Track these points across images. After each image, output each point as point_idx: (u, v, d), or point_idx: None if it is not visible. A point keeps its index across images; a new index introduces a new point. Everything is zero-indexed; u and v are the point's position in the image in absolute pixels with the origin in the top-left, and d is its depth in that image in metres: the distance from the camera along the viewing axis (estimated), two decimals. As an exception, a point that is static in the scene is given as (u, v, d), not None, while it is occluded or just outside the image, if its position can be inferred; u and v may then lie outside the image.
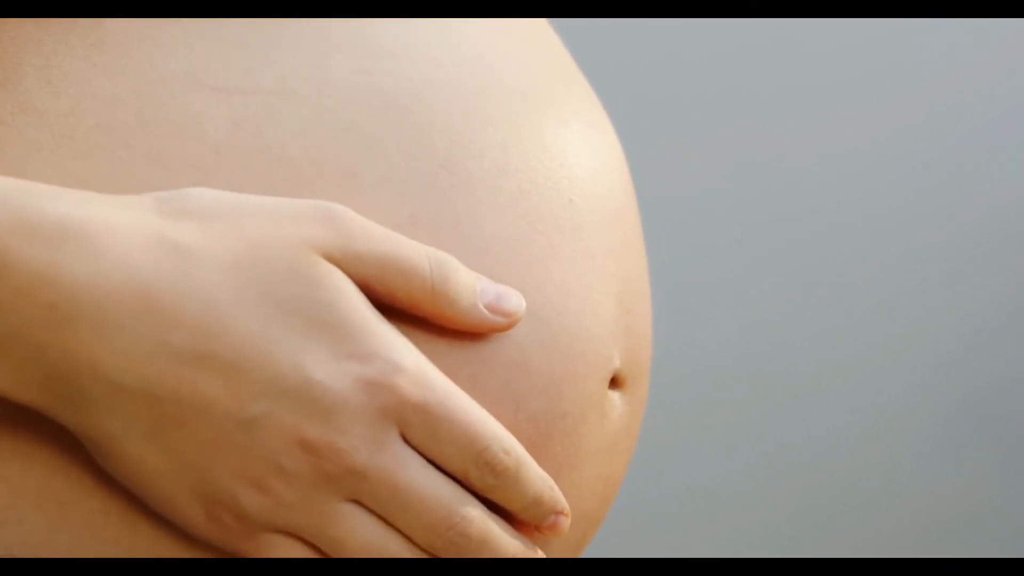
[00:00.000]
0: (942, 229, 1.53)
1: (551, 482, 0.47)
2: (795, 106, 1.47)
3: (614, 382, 0.53)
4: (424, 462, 0.44)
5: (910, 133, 1.50)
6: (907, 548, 1.56)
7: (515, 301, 0.47)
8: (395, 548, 0.44)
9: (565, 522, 0.47)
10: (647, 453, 1.48)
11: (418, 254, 0.45)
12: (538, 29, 0.56)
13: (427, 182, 0.48)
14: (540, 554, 0.47)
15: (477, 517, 0.45)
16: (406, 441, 0.44)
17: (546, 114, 0.52)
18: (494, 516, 0.46)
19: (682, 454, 1.49)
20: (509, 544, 0.46)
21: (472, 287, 0.46)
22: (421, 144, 0.48)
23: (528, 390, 0.48)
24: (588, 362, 0.50)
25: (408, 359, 0.44)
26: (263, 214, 0.44)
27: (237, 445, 0.42)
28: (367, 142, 0.48)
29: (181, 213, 0.43)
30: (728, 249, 1.48)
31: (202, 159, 0.46)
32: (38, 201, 0.41)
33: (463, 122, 0.49)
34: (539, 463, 0.48)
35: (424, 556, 0.45)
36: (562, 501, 0.47)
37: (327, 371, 0.43)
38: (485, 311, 0.46)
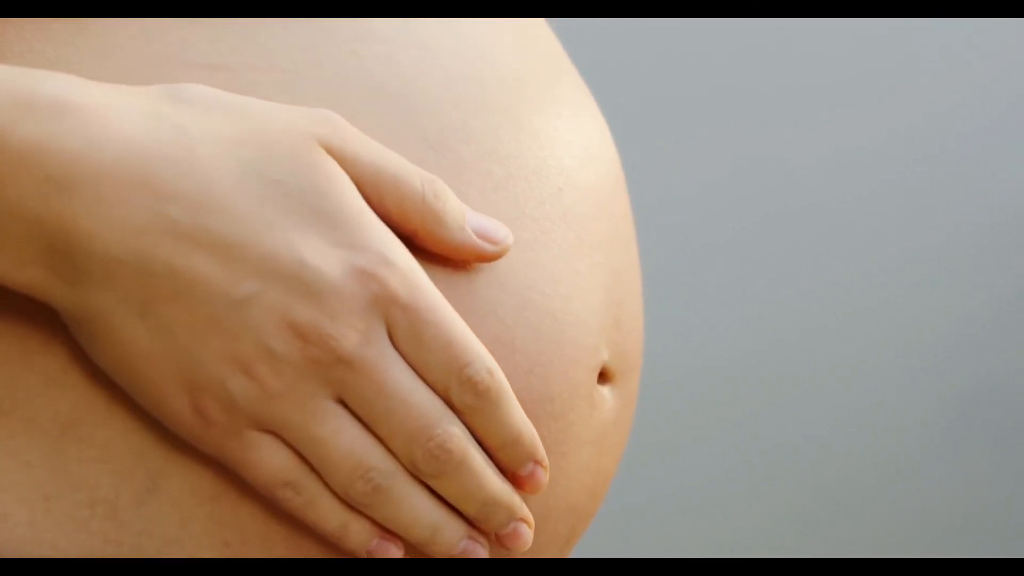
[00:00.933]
0: (938, 228, 1.53)
1: (532, 428, 0.47)
2: (790, 104, 1.47)
3: (603, 376, 0.53)
4: (410, 370, 0.44)
5: (908, 131, 1.51)
6: (904, 548, 1.56)
7: (503, 231, 0.47)
8: (376, 458, 0.44)
9: (543, 476, 0.47)
10: (641, 451, 1.48)
11: (412, 169, 0.45)
12: (530, 20, 0.55)
13: (415, 163, 0.48)
14: (523, 505, 0.47)
15: (459, 435, 0.44)
16: (392, 343, 0.44)
17: (538, 103, 0.52)
18: (478, 448, 0.46)
19: (678, 453, 1.49)
20: (491, 478, 0.46)
21: (461, 210, 0.46)
22: (410, 127, 0.48)
23: (512, 369, 0.48)
24: (576, 348, 0.50)
25: (401, 257, 0.44)
26: (265, 108, 0.44)
27: (227, 325, 0.42)
28: (354, 122, 0.47)
29: (183, 101, 0.43)
30: (725, 247, 1.48)
31: None
32: (36, 80, 0.41)
33: (453, 107, 0.49)
34: None
35: (403, 472, 0.44)
36: (541, 450, 0.47)
37: (320, 256, 0.42)
38: (473, 235, 0.46)
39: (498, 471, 0.46)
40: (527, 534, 0.47)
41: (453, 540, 0.46)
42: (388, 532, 0.45)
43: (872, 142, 1.50)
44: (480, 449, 0.46)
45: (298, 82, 0.47)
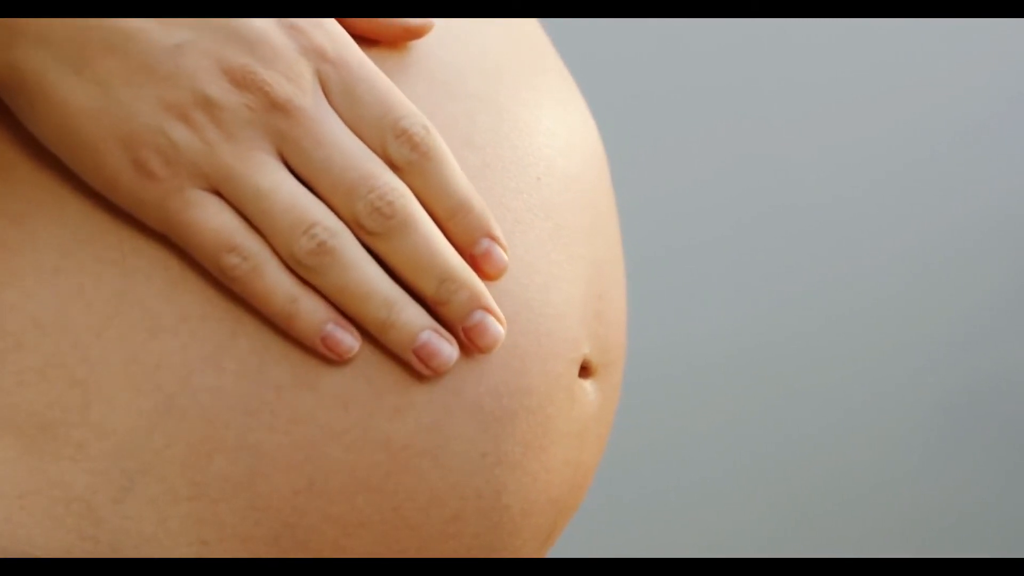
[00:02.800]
0: (935, 226, 1.53)
1: (482, 201, 0.46)
2: (781, 100, 1.47)
3: (585, 370, 0.52)
4: (346, 128, 0.44)
5: (905, 128, 1.51)
6: (898, 548, 1.56)
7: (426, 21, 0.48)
8: (319, 213, 0.43)
9: (499, 254, 0.46)
10: (628, 446, 1.48)
11: None
12: None
13: None
14: (484, 289, 0.45)
15: (401, 190, 0.44)
16: (326, 98, 0.44)
17: (518, 91, 0.51)
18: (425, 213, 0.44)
19: (669, 451, 1.49)
20: (441, 242, 0.45)
21: None
22: None
23: (487, 361, 0.47)
24: (553, 340, 0.49)
25: (330, 22, 0.44)
26: None
27: (163, 72, 0.42)
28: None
29: None
30: (719, 242, 1.48)
31: None
32: None
33: (428, 94, 0.49)
34: (506, 441, 0.48)
35: (349, 233, 0.44)
36: (494, 225, 0.46)
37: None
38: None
39: (453, 249, 0.45)
40: (496, 328, 0.46)
41: (413, 327, 0.44)
42: (342, 317, 0.44)
43: (868, 139, 1.50)
44: (428, 216, 0.45)
45: None
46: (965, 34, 1.50)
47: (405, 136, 0.44)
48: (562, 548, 1.46)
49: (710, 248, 1.48)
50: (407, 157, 0.44)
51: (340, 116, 0.44)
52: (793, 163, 1.48)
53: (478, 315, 0.45)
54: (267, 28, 0.43)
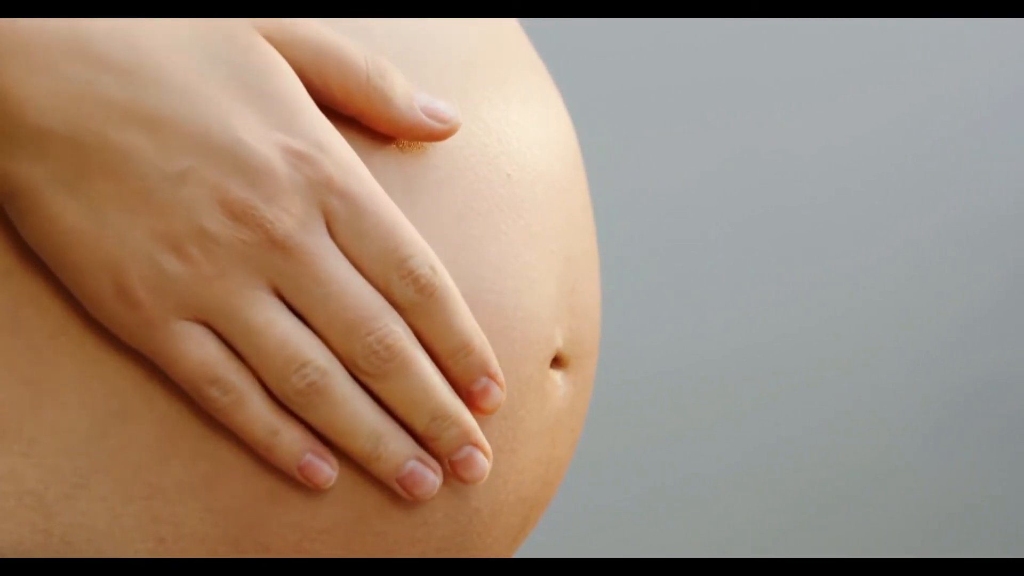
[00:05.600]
0: (932, 225, 1.53)
1: (484, 338, 0.45)
2: (769, 99, 1.47)
3: (556, 361, 0.52)
4: (349, 264, 0.42)
5: (903, 126, 1.50)
6: (895, 548, 1.56)
7: (450, 109, 0.46)
8: (312, 352, 0.42)
9: (497, 393, 0.45)
10: (611, 445, 1.47)
11: (355, 49, 0.44)
12: None
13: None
14: (475, 426, 0.45)
15: (401, 333, 0.43)
16: (330, 233, 0.43)
17: (486, 87, 0.51)
18: (424, 354, 0.44)
19: (658, 449, 1.49)
20: (438, 387, 0.44)
21: (407, 89, 0.45)
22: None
23: None
24: (527, 344, 0.49)
25: (338, 144, 0.42)
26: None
27: (160, 201, 0.41)
28: None
29: None
30: (721, 243, 1.47)
31: None
32: None
33: None
34: None
35: (342, 370, 0.43)
36: (494, 361, 0.45)
37: (255, 135, 0.41)
38: (421, 113, 0.45)
39: (449, 386, 0.44)
40: (483, 463, 0.45)
41: (399, 457, 0.44)
42: (323, 446, 0.44)
43: (869, 138, 1.50)
44: (426, 355, 0.44)
45: None
46: (960, 33, 1.50)
47: (411, 277, 0.43)
48: (543, 548, 1.46)
49: (702, 245, 1.47)
50: (412, 299, 0.43)
51: (343, 250, 0.43)
52: (784, 160, 1.48)
53: (467, 450, 0.45)
54: (271, 158, 0.41)
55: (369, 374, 0.43)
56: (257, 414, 0.42)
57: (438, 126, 0.46)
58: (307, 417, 0.43)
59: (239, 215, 0.41)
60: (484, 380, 0.45)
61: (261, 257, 0.41)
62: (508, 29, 0.55)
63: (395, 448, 0.44)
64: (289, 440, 0.43)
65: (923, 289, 1.54)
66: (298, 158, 0.42)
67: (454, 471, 0.45)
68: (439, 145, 0.48)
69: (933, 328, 1.55)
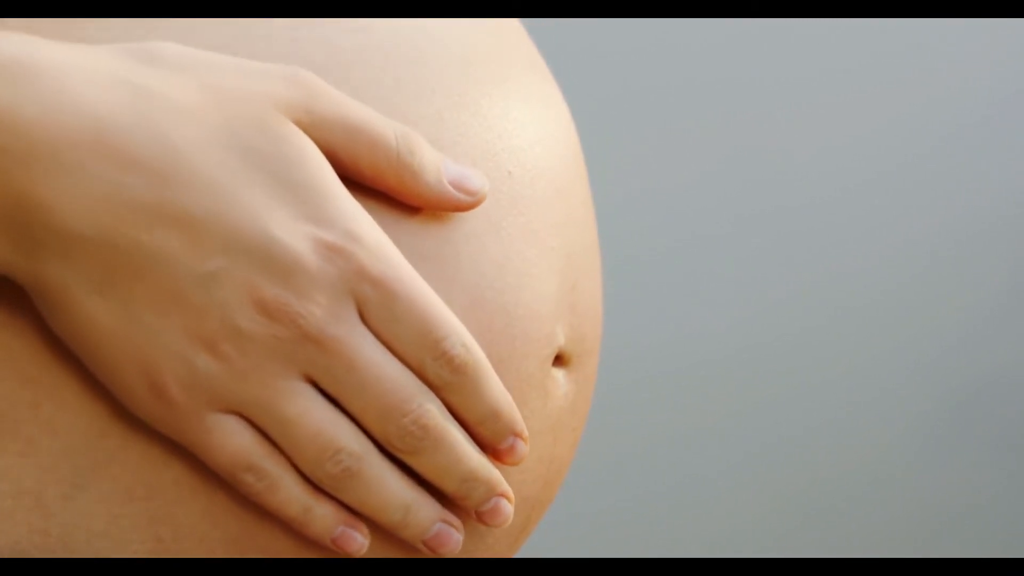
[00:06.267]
0: (937, 224, 1.53)
1: (511, 400, 0.45)
2: (770, 99, 1.47)
3: (558, 359, 0.52)
4: (382, 346, 0.43)
5: (903, 125, 1.50)
6: (896, 548, 1.56)
7: (478, 180, 0.46)
8: (346, 439, 0.43)
9: (522, 448, 0.46)
10: (614, 445, 1.47)
11: (385, 125, 0.44)
12: None
13: None
14: (502, 480, 0.46)
15: (435, 411, 0.43)
16: (363, 320, 0.43)
17: (485, 83, 0.50)
18: (455, 423, 0.44)
19: (659, 448, 1.49)
20: (469, 454, 0.45)
21: (436, 163, 0.45)
22: None
23: None
24: (528, 342, 0.49)
25: (369, 231, 0.42)
26: (231, 68, 0.42)
27: (192, 301, 0.41)
28: None
29: (144, 59, 0.42)
30: (721, 242, 1.47)
31: None
32: None
33: (394, 92, 0.48)
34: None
35: (375, 452, 0.43)
36: (521, 423, 0.46)
37: (287, 230, 0.41)
38: (449, 187, 0.45)
39: (476, 445, 0.45)
40: (507, 509, 0.46)
41: (426, 523, 0.45)
42: (354, 516, 0.44)
43: (870, 137, 1.49)
44: (457, 424, 0.45)
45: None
46: (962, 33, 1.49)
47: (445, 358, 0.43)
48: (544, 548, 1.46)
49: (703, 244, 1.47)
50: (445, 379, 0.44)
51: (376, 333, 0.43)
52: (783, 161, 1.48)
53: (492, 501, 0.46)
54: (303, 253, 0.41)
55: (403, 452, 0.43)
56: (290, 495, 0.43)
57: (466, 199, 0.46)
58: (339, 496, 0.43)
59: (272, 312, 0.41)
60: (510, 439, 0.46)
61: (294, 350, 0.41)
62: (508, 27, 0.54)
63: (423, 516, 0.45)
64: (321, 515, 0.44)
65: (926, 288, 1.54)
66: (330, 250, 0.42)
67: (480, 519, 0.46)
68: (438, 140, 0.48)
69: (936, 328, 1.55)
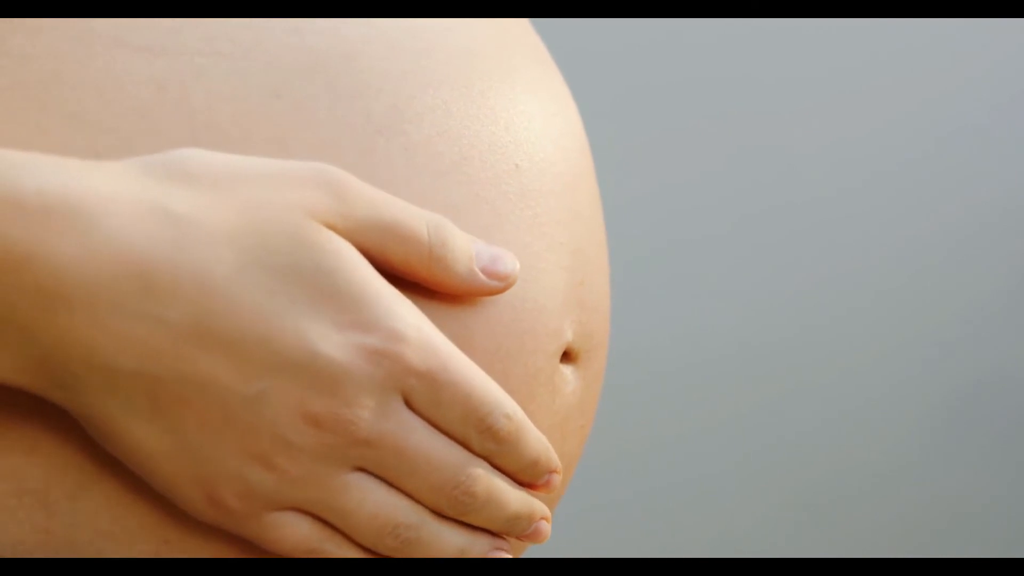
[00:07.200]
0: (934, 224, 1.53)
1: (547, 442, 0.47)
2: (775, 97, 1.47)
3: (566, 356, 0.51)
4: (428, 427, 0.44)
5: (903, 124, 1.50)
6: (898, 548, 1.56)
7: (509, 263, 0.46)
8: (404, 514, 0.44)
9: (557, 479, 0.48)
10: (620, 443, 1.47)
11: (417, 220, 0.44)
12: None
13: (362, 149, 0.46)
14: (540, 506, 0.47)
15: (483, 476, 0.45)
16: (409, 406, 0.43)
17: (491, 75, 0.50)
18: (495, 471, 0.46)
19: (663, 447, 1.49)
20: (512, 500, 0.46)
21: (468, 252, 0.45)
22: (355, 109, 0.46)
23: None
24: (536, 337, 0.48)
25: (411, 326, 0.43)
26: (260, 178, 0.42)
27: (242, 422, 0.41)
28: (297, 107, 0.46)
29: (173, 178, 0.41)
30: (721, 241, 1.47)
31: (123, 122, 0.44)
32: (16, 172, 0.39)
33: (401, 83, 0.47)
34: None
35: (430, 517, 0.45)
36: (556, 460, 0.47)
37: (331, 342, 0.41)
38: (481, 275, 0.46)
39: (517, 485, 0.47)
40: (546, 528, 0.48)
41: (479, 556, 0.46)
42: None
43: (871, 136, 1.49)
44: (500, 475, 0.46)
45: (238, 69, 0.45)
46: (961, 32, 1.49)
47: (489, 432, 0.44)
48: (547, 548, 1.46)
49: (709, 242, 1.47)
50: (490, 449, 0.45)
51: (422, 416, 0.44)
52: (786, 159, 1.48)
53: (533, 527, 0.48)
54: (350, 364, 0.41)
55: (455, 515, 0.45)
56: (346, 554, 0.45)
57: (497, 284, 0.46)
58: (399, 556, 0.45)
59: (322, 423, 0.42)
60: (547, 476, 0.47)
61: (346, 452, 0.42)
62: (514, 22, 0.54)
63: (476, 551, 0.46)
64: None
65: (930, 287, 1.54)
66: (376, 354, 0.42)
67: (521, 540, 0.48)
68: (446, 132, 0.47)
69: (939, 327, 1.55)
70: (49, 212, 0.39)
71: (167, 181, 0.41)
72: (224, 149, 0.44)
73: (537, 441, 0.46)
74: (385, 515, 0.43)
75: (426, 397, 0.43)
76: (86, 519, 0.43)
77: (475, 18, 0.51)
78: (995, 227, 1.55)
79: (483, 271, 0.46)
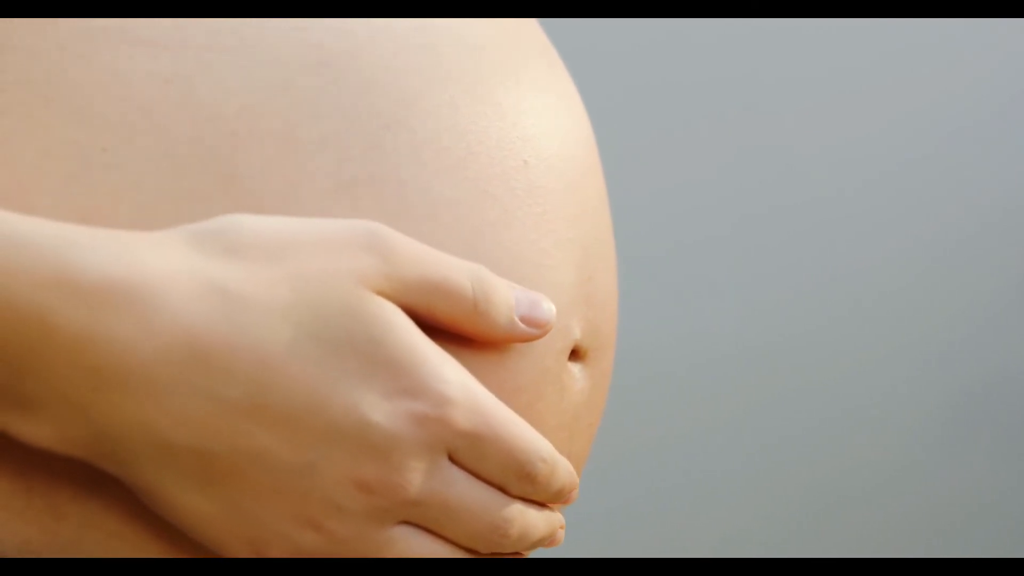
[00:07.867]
0: (935, 224, 1.53)
1: (572, 469, 0.48)
2: (781, 98, 1.47)
3: (574, 354, 0.51)
4: (469, 476, 0.45)
5: (905, 124, 1.50)
6: (901, 548, 1.56)
7: (546, 309, 0.47)
8: (444, 555, 0.45)
9: (575, 495, 0.49)
10: (627, 443, 1.47)
11: (461, 275, 0.45)
12: None
13: (369, 144, 0.46)
14: (558, 518, 0.49)
15: (517, 518, 0.46)
16: (452, 459, 0.44)
17: (499, 71, 0.50)
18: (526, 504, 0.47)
19: (668, 447, 1.49)
20: (540, 528, 0.47)
21: (509, 303, 0.46)
22: (362, 104, 0.46)
23: (482, 366, 0.47)
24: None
25: (458, 386, 0.44)
26: (308, 245, 0.43)
27: (293, 490, 0.42)
28: (304, 101, 0.45)
29: (223, 251, 0.42)
30: (726, 241, 1.47)
31: (129, 118, 0.44)
32: (76, 254, 0.39)
33: (408, 79, 0.47)
34: None
35: (468, 556, 0.46)
36: (576, 480, 0.48)
37: (381, 410, 0.42)
38: (521, 325, 0.46)
39: (546, 511, 0.48)
40: (561, 535, 0.49)
41: None
42: None
43: (872, 136, 1.49)
44: (532, 507, 0.47)
45: (244, 63, 0.45)
46: (962, 33, 1.49)
47: (528, 479, 0.46)
48: (551, 548, 1.45)
49: (716, 242, 1.47)
50: (528, 491, 0.46)
51: (463, 467, 0.45)
52: (793, 158, 1.48)
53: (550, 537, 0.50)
54: (399, 430, 0.42)
55: (489, 552, 0.46)
56: None
57: (536, 332, 0.47)
58: None
59: (372, 488, 0.43)
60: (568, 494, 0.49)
61: (394, 512, 0.43)
62: (522, 21, 0.54)
63: None
64: None
65: (937, 288, 1.54)
66: (425, 419, 0.43)
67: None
68: (453, 128, 0.47)
69: (942, 327, 1.55)
70: (107, 297, 0.39)
71: (220, 257, 0.42)
72: (230, 144, 0.44)
73: (566, 473, 0.47)
74: (427, 559, 0.45)
75: (470, 453, 0.44)
76: (94, 520, 0.43)
77: (483, 18, 0.51)
78: (1000, 227, 1.54)
79: (522, 319, 0.46)
